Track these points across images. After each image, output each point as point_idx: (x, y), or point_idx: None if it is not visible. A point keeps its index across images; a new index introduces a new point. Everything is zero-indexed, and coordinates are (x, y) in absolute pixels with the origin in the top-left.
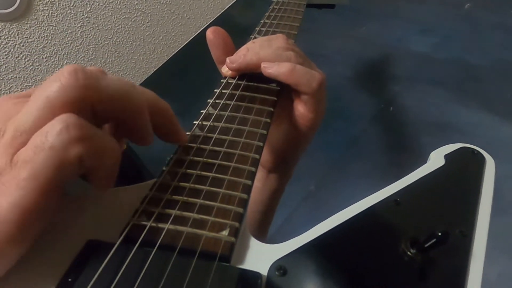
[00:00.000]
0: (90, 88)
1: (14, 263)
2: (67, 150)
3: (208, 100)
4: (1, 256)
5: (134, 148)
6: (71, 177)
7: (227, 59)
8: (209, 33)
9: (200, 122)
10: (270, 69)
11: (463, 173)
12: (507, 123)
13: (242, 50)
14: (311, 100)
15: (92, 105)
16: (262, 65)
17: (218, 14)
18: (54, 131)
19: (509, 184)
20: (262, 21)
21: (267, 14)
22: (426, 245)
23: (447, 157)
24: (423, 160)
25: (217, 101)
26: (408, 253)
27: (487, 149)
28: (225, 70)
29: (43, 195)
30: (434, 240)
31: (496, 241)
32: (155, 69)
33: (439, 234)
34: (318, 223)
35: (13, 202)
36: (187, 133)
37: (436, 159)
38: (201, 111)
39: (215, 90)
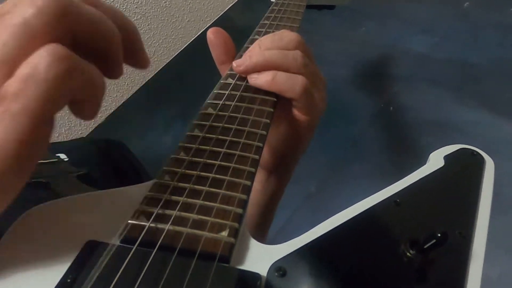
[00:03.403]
0: (69, 11)
1: (14, 197)
2: (59, 83)
3: (208, 101)
4: (3, 189)
5: (132, 149)
6: (59, 109)
7: (233, 63)
8: (210, 34)
9: (200, 122)
10: (253, 80)
11: (462, 174)
12: (506, 122)
13: (248, 52)
14: (300, 104)
15: (73, 32)
16: (248, 77)
17: (218, 17)
18: (45, 62)
19: (509, 183)
20: (261, 22)
21: (266, 14)
22: (425, 246)
23: (446, 158)
24: (423, 161)
25: (216, 101)
26: (408, 254)
27: (487, 148)
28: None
29: (36, 127)
30: (434, 241)
31: (497, 241)
32: (155, 72)
33: (439, 235)
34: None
35: (9, 134)
36: (187, 134)
37: (435, 160)
38: (201, 112)
39: (215, 91)
